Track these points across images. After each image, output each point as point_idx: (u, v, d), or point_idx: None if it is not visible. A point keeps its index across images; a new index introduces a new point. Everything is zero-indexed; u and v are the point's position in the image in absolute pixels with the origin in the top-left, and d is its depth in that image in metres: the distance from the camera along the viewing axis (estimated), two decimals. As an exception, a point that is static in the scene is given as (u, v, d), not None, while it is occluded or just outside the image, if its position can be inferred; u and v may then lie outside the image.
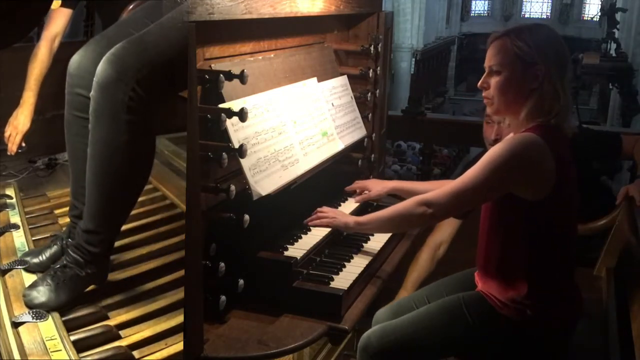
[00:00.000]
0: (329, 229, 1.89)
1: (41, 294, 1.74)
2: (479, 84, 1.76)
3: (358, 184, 2.24)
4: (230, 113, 1.53)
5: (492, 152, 1.67)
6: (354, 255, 1.86)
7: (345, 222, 1.87)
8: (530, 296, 1.72)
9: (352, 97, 2.35)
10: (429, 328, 1.81)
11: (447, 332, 1.80)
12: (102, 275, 1.88)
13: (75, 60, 1.89)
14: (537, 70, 1.66)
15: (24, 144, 2.56)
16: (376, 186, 2.19)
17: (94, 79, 1.68)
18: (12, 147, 2.52)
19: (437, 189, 1.76)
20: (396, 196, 2.23)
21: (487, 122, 2.26)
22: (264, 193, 1.64)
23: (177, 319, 1.76)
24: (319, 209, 1.95)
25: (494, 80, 1.72)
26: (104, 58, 1.67)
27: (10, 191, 2.51)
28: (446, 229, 2.51)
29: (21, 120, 2.51)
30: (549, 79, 1.66)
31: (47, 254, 1.95)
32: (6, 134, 2.52)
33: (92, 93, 1.69)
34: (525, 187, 1.67)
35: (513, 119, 1.75)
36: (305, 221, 1.91)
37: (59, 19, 2.58)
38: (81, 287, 1.81)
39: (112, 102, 1.65)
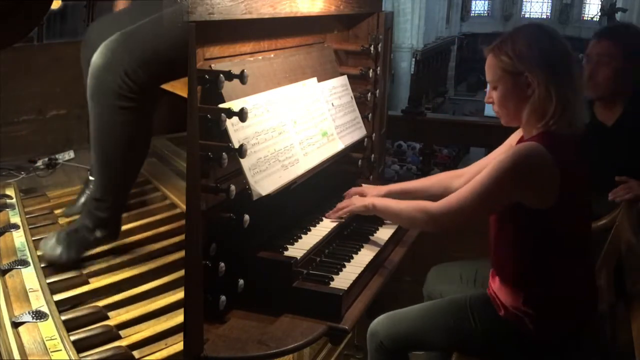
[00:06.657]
0: (328, 229, 1.90)
1: (53, 248, 1.93)
2: (486, 99, 1.80)
3: (354, 190, 2.19)
4: (230, 113, 1.53)
5: (496, 164, 1.67)
6: (354, 255, 1.86)
7: (364, 205, 1.93)
8: (534, 302, 1.72)
9: (352, 97, 2.35)
10: (434, 324, 1.84)
11: (451, 331, 1.82)
12: (112, 237, 2.04)
13: (94, 28, 2.04)
14: (527, 78, 1.66)
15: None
16: (372, 191, 2.16)
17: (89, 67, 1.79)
18: None
19: (430, 186, 1.78)
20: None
21: None
22: (264, 193, 1.64)
23: (177, 319, 1.75)
24: (339, 204, 2.01)
25: (495, 95, 1.75)
26: (99, 48, 1.77)
27: (10, 191, 2.51)
28: None
29: None
30: (538, 83, 1.65)
31: (82, 199, 2.20)
32: None
33: (87, 79, 1.80)
34: (530, 195, 1.66)
35: (522, 128, 1.78)
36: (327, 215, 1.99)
37: None
38: (91, 247, 2.00)
39: (104, 90, 1.77)
